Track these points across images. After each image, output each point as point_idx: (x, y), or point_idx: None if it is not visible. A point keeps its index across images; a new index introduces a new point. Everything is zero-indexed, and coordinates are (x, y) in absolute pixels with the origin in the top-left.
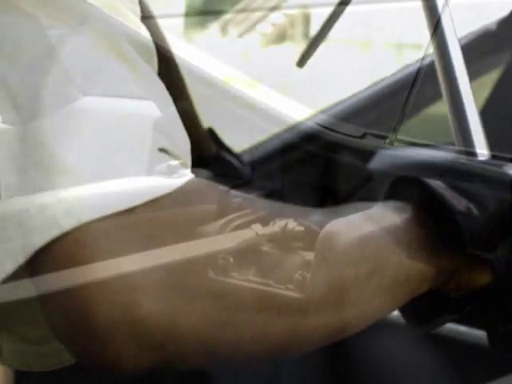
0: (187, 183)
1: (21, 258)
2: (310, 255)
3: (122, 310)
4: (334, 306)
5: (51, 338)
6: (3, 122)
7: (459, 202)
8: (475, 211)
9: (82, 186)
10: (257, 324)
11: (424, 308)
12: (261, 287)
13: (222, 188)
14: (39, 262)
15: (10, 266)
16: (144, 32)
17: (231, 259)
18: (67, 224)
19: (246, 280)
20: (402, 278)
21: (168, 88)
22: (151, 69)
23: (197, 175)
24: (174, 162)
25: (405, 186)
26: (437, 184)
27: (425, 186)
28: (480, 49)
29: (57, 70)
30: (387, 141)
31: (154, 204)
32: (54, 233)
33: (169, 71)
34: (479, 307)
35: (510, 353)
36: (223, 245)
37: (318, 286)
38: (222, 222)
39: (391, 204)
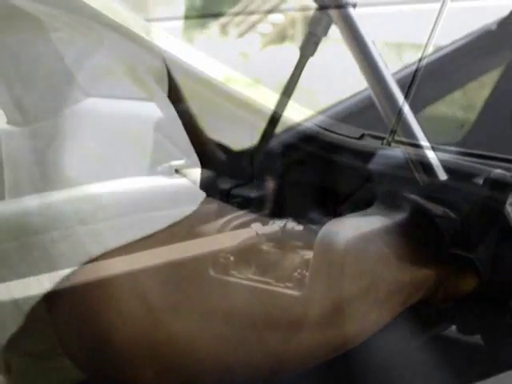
0: (201, 206)
1: (48, 286)
2: (308, 254)
3: (142, 333)
4: (336, 320)
5: (56, 352)
6: (8, 123)
7: (436, 209)
8: (452, 215)
9: (102, 202)
10: (268, 342)
11: (415, 320)
12: (262, 286)
13: (234, 210)
14: (60, 286)
15: (37, 294)
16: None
17: (231, 258)
18: (95, 251)
19: (246, 279)
20: (396, 290)
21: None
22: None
23: (202, 175)
24: (176, 162)
25: (389, 200)
26: (414, 197)
27: (404, 198)
28: (480, 48)
29: (65, 75)
30: (385, 142)
31: (173, 228)
32: (82, 260)
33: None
34: (470, 313)
35: (506, 353)
36: (221, 246)
37: (323, 300)
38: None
39: (379, 218)
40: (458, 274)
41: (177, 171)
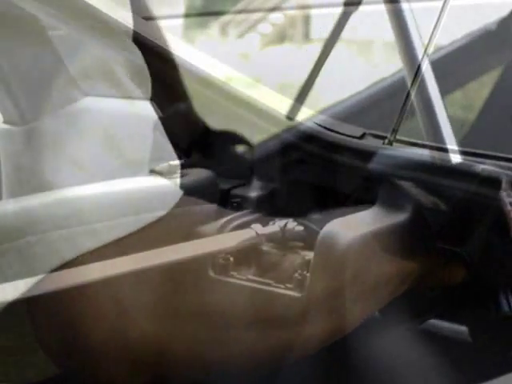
0: (176, 206)
1: (22, 287)
2: (309, 255)
3: (115, 332)
4: (328, 313)
5: (29, 348)
6: (5, 123)
7: (427, 199)
8: (443, 207)
9: (78, 206)
10: (247, 340)
11: (403, 307)
12: (259, 286)
13: (210, 207)
14: (37, 288)
15: (11, 294)
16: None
17: (231, 259)
18: (69, 254)
19: (245, 279)
20: (383, 282)
21: (168, 89)
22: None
23: (200, 175)
24: (175, 162)
25: (389, 198)
26: (406, 184)
27: (394, 186)
28: (480, 48)
29: (63, 74)
30: (386, 141)
31: (147, 229)
32: (57, 262)
33: (168, 73)
34: (457, 303)
35: (491, 347)
36: (220, 247)
37: (323, 299)
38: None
39: (378, 217)
40: (446, 265)
41: (152, 172)
